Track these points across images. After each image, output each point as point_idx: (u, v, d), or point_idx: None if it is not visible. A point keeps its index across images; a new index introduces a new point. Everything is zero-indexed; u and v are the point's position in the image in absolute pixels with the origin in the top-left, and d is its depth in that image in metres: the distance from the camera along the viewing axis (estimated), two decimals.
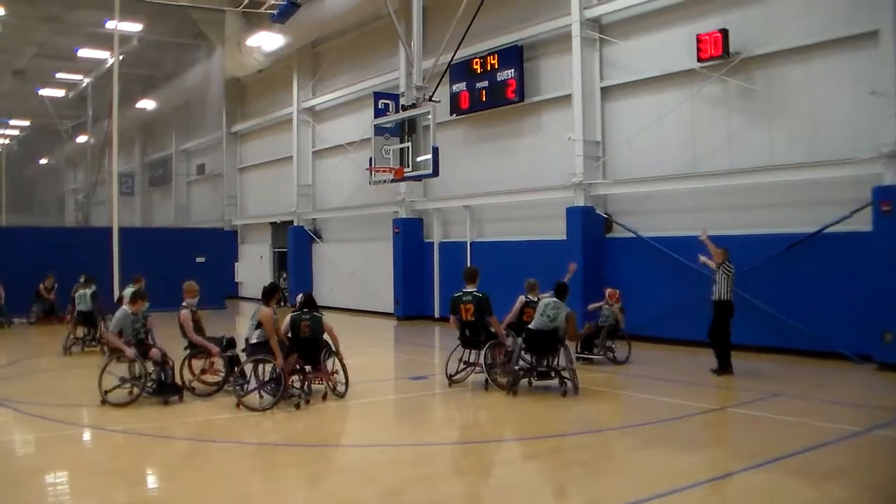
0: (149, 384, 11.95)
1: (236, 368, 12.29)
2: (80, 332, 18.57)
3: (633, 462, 9.05)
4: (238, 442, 10.09)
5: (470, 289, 13.11)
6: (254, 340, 11.82)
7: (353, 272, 28.39)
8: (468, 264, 22.71)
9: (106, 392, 11.79)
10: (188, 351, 12.75)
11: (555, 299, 12.63)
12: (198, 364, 12.93)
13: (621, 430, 10.59)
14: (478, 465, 9.07)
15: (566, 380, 12.38)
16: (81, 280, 24.56)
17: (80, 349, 18.20)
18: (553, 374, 12.58)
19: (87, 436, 10.87)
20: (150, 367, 11.99)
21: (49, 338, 22.07)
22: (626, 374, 14.63)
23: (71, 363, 17.07)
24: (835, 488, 7.87)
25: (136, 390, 11.95)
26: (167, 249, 27.68)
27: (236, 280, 36.80)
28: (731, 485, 8.03)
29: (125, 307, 12.41)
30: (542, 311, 12.52)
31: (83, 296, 18.85)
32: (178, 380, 12.44)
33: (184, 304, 12.82)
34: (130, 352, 11.90)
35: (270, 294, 12.18)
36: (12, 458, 9.58)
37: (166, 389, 12.06)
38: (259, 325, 11.76)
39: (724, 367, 14.08)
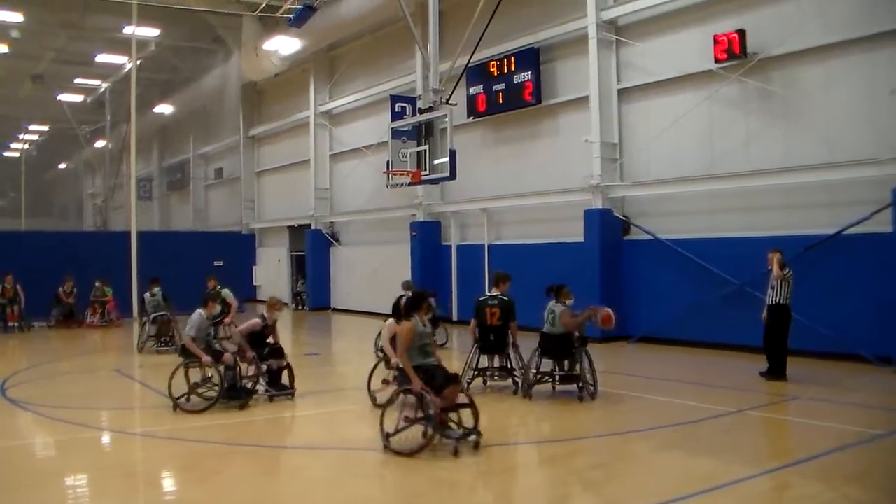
0: (220, 389, 11.86)
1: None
2: (153, 330, 19.26)
3: (651, 465, 9.02)
4: (254, 445, 10.11)
5: (496, 293, 13.01)
6: (401, 365, 9.60)
7: (376, 270, 28.36)
8: (489, 268, 22.78)
9: (177, 398, 11.71)
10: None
11: (552, 302, 12.59)
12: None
13: (639, 433, 10.54)
14: (496, 469, 9.02)
15: (585, 384, 12.28)
16: (97, 284, 24.93)
17: (154, 347, 18.89)
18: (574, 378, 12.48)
19: (106, 439, 10.93)
20: (223, 371, 11.91)
21: (68, 342, 22.27)
22: (642, 377, 14.57)
23: (88, 366, 17.20)
24: (856, 491, 7.82)
25: (210, 394, 11.87)
26: (185, 253, 27.71)
27: (254, 283, 36.89)
28: (750, 488, 7.96)
29: (200, 311, 12.33)
30: (546, 317, 12.53)
31: (155, 301, 19.62)
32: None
33: (263, 313, 12.86)
34: (206, 359, 11.81)
35: (416, 304, 9.92)
36: (33, 461, 9.64)
37: (239, 393, 11.99)
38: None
39: (774, 373, 13.70)
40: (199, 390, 12.07)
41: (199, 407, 11.72)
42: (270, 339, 12.91)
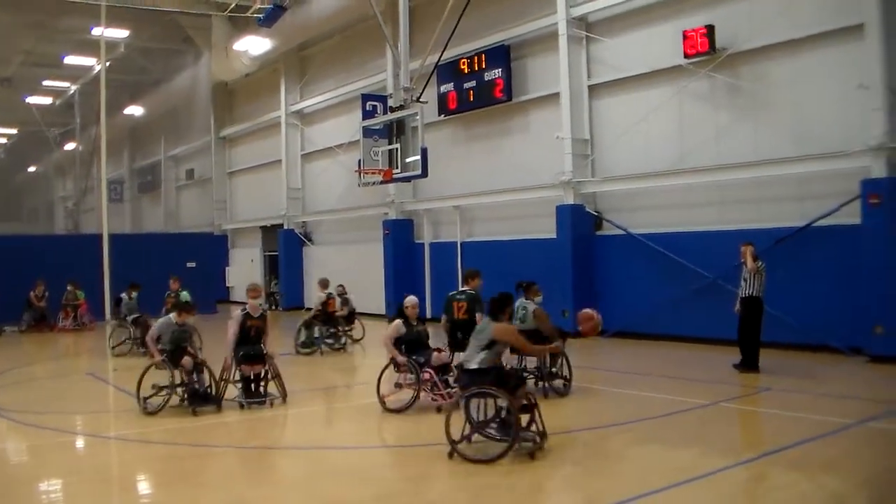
0: (180, 392, 11.76)
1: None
2: (137, 332, 18.85)
3: (627, 459, 9.07)
4: (226, 446, 10.08)
5: (465, 288, 12.98)
6: (474, 365, 9.16)
7: (349, 269, 28.26)
8: (462, 265, 22.76)
9: (145, 399, 11.62)
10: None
11: (521, 299, 12.56)
12: None
13: (614, 427, 10.57)
14: (472, 466, 9.00)
15: (548, 380, 12.32)
16: (69, 288, 24.69)
17: (140, 350, 18.29)
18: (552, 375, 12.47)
19: (80, 443, 10.83)
20: (182, 375, 11.80)
21: (40, 346, 22.06)
22: (616, 372, 14.64)
23: (61, 370, 17.05)
24: (829, 480, 7.90)
25: (166, 398, 11.64)
26: (157, 255, 27.47)
27: (227, 285, 36.69)
28: (727, 479, 8.02)
29: (171, 316, 12.26)
30: (516, 314, 12.35)
31: (131, 304, 19.64)
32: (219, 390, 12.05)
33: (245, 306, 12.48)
34: (158, 358, 11.89)
35: (503, 305, 9.56)
36: (6, 467, 9.52)
37: (196, 399, 11.77)
38: (491, 345, 9.11)
39: (747, 364, 13.83)
40: (163, 394, 11.81)
41: (154, 409, 11.58)
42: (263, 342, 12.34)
